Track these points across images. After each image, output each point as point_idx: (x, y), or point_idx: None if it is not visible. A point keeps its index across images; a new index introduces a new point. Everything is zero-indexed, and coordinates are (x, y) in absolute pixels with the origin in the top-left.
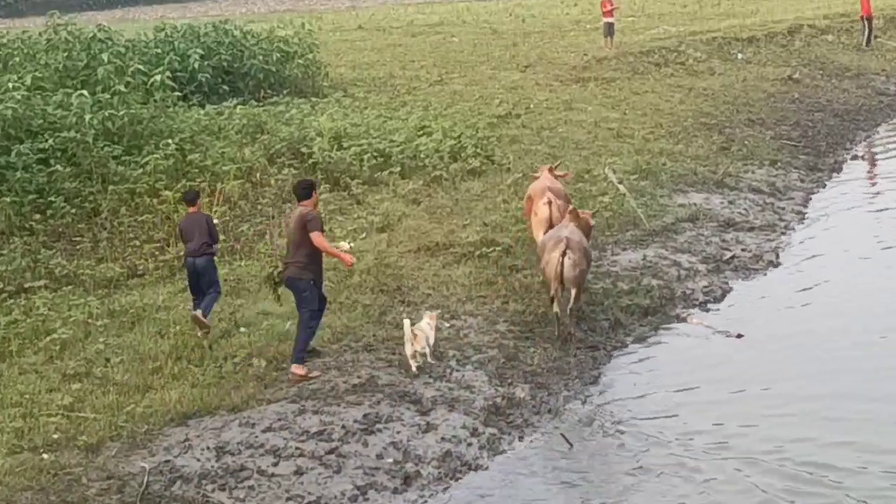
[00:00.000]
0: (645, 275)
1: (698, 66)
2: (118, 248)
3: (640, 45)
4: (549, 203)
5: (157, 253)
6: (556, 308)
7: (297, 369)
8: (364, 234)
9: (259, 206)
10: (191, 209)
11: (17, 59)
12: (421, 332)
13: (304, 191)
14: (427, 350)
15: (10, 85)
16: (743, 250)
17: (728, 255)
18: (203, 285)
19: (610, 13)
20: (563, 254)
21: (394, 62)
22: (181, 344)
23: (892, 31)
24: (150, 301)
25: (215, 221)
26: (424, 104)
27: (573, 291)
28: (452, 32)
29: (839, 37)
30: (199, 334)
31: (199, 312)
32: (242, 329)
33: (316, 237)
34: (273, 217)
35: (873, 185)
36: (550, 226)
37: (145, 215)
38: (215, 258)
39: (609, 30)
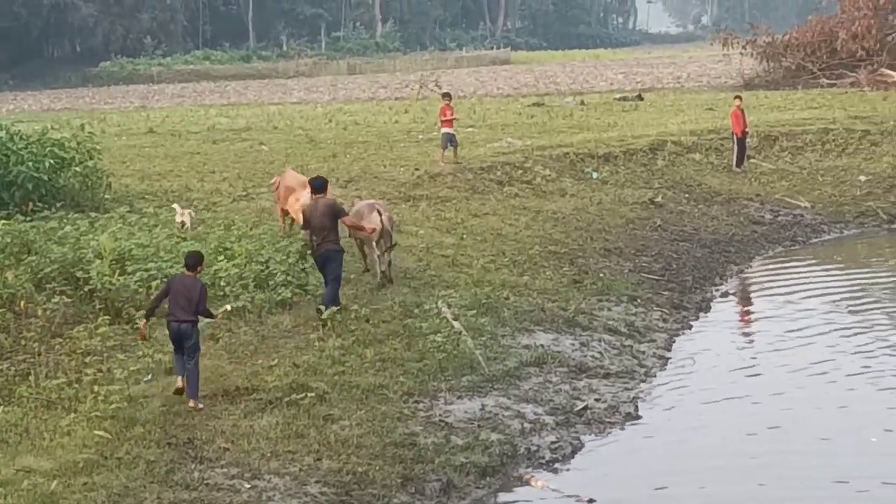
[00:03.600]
0: (483, 428)
1: (547, 185)
2: None
3: (481, 160)
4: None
5: None
6: (381, 266)
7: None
8: (150, 376)
9: (22, 342)
10: (187, 273)
11: None
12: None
13: (321, 184)
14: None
15: None
16: (597, 400)
17: (580, 405)
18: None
19: (450, 122)
20: (380, 213)
21: (190, 172)
22: None
23: (768, 150)
24: None
25: None
26: (226, 222)
27: (391, 243)
28: (261, 140)
29: (707, 156)
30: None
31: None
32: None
33: (347, 220)
34: (39, 354)
35: (746, 326)
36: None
37: None
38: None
39: (450, 141)
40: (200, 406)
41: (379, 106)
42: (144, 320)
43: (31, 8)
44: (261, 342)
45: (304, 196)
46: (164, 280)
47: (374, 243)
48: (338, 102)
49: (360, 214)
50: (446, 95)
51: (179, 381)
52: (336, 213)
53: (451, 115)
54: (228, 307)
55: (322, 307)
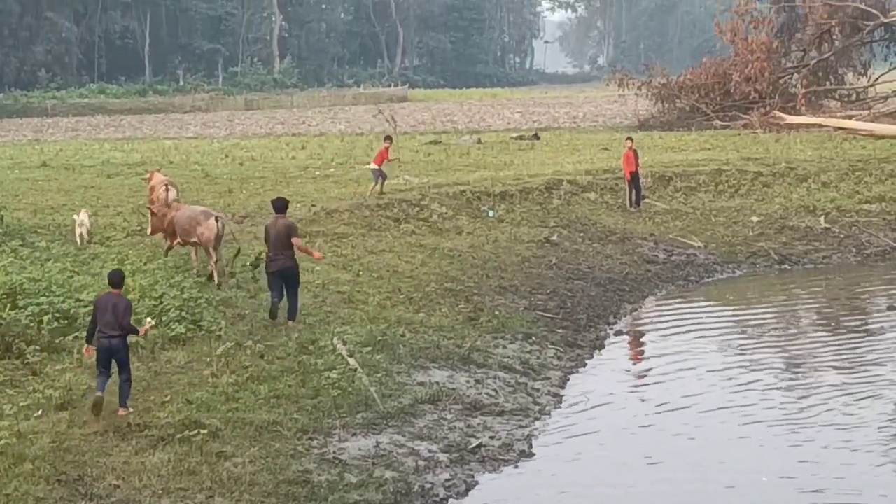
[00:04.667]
0: (378, 465)
1: (443, 223)
2: None
3: (378, 197)
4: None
5: None
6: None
7: None
8: (40, 412)
9: None
10: (112, 291)
11: None
12: None
13: (283, 204)
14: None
15: None
16: (491, 438)
17: (474, 443)
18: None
19: (382, 161)
20: (217, 219)
21: (84, 206)
22: None
23: (662, 191)
24: None
25: None
26: (120, 257)
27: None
28: None
29: (603, 195)
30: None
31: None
32: None
33: (296, 241)
34: None
35: (638, 364)
36: None
37: None
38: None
39: (380, 175)
40: (131, 410)
41: (276, 142)
42: (88, 345)
43: None
44: (153, 378)
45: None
46: (56, 315)
47: (211, 248)
48: (234, 138)
49: (197, 220)
50: (388, 138)
51: (97, 395)
52: (292, 232)
53: (387, 157)
54: (150, 321)
55: (291, 322)
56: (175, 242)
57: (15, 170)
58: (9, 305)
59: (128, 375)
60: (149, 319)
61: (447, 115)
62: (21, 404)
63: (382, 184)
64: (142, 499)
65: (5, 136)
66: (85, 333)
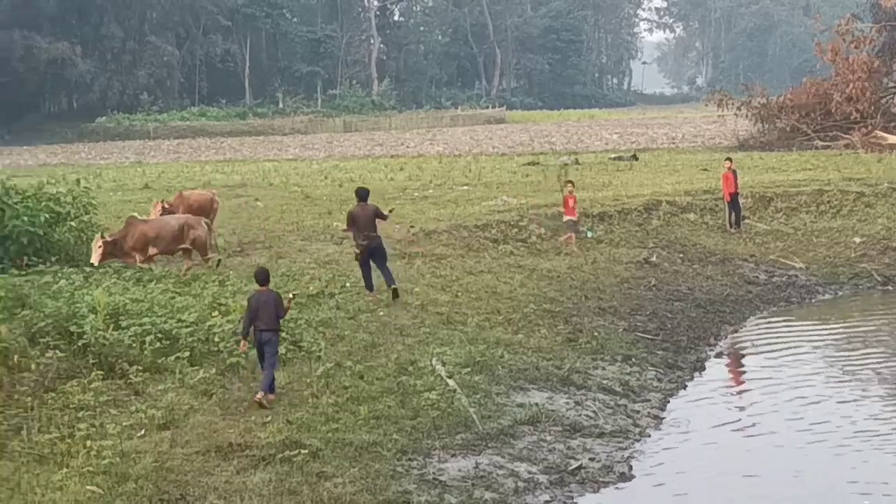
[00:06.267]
0: (477, 486)
1: (542, 244)
2: None
3: (476, 218)
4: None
5: None
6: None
7: None
8: (143, 432)
9: (15, 396)
10: (261, 288)
11: None
12: None
13: (366, 192)
14: None
15: None
16: (591, 459)
17: (574, 464)
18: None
19: (573, 210)
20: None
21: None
22: None
23: (763, 211)
24: None
25: None
26: (221, 278)
27: None
28: (256, 196)
29: (702, 216)
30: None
31: (259, 395)
32: None
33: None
34: (32, 409)
35: (739, 386)
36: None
37: None
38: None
39: (573, 225)
40: (271, 396)
41: (375, 163)
42: (244, 340)
43: (28, 63)
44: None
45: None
46: (158, 335)
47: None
48: (333, 159)
49: (190, 224)
50: (569, 183)
51: (259, 395)
52: (378, 214)
53: (574, 203)
54: (292, 295)
55: (395, 287)
56: (147, 257)
57: (118, 192)
58: (112, 326)
59: (273, 363)
60: (290, 295)
61: (545, 137)
62: (124, 424)
63: (575, 231)
64: None
65: (108, 159)
66: (188, 353)
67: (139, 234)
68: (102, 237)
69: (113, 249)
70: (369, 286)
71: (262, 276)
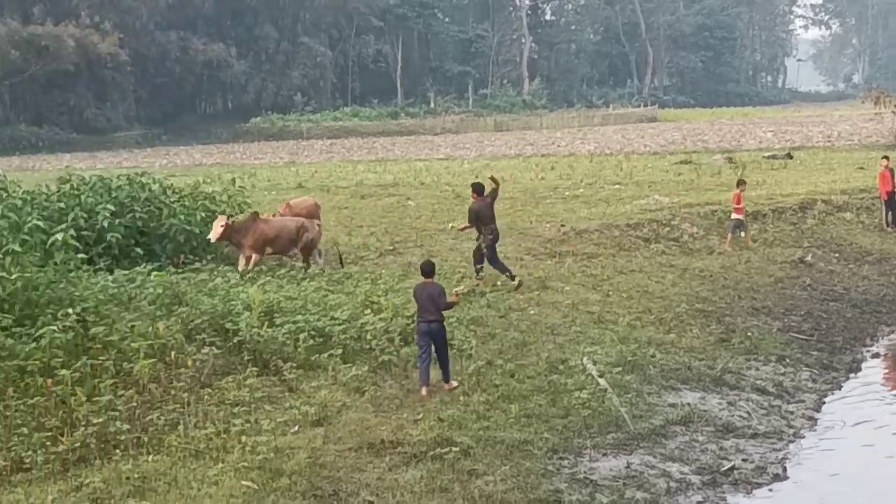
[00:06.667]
0: (629, 486)
1: (694, 243)
2: (1, 437)
3: (627, 217)
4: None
5: (47, 443)
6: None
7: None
8: (296, 428)
9: (172, 391)
10: (426, 280)
11: None
12: None
13: (481, 188)
14: None
15: None
16: (744, 460)
17: (726, 465)
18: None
19: (741, 209)
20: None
21: (338, 227)
22: None
23: None
24: (36, 501)
25: None
26: (373, 276)
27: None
28: (408, 195)
29: (858, 215)
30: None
31: (446, 386)
32: None
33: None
34: (189, 404)
35: None
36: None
37: (36, 398)
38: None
39: (739, 226)
40: (455, 384)
41: (525, 162)
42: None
43: (184, 65)
44: (406, 396)
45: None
46: (312, 333)
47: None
48: (484, 159)
49: (305, 227)
50: (741, 182)
51: (424, 391)
52: (493, 202)
53: (741, 203)
54: (461, 288)
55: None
56: (258, 257)
57: (272, 191)
58: (266, 323)
59: (446, 354)
60: (457, 290)
61: (697, 135)
62: (278, 420)
63: (746, 233)
64: None
65: (262, 159)
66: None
67: (259, 233)
68: (228, 218)
69: (231, 234)
70: (511, 274)
71: (428, 268)
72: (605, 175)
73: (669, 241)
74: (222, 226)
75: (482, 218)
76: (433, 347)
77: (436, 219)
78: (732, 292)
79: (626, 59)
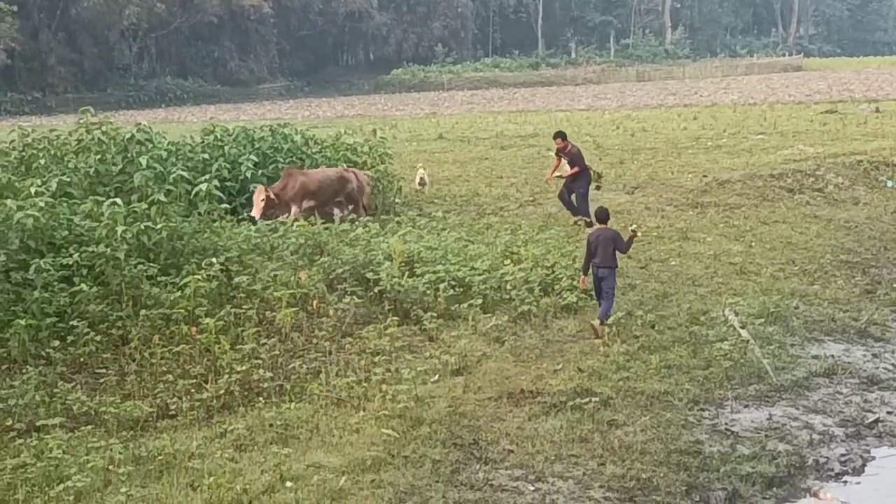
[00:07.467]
0: (770, 438)
1: (839, 193)
2: (148, 384)
3: (771, 167)
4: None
5: (192, 390)
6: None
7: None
8: (436, 377)
9: (314, 340)
10: (600, 226)
11: (43, 161)
12: None
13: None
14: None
15: (33, 190)
16: (889, 413)
17: (871, 418)
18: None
19: None
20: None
21: (478, 178)
22: (216, 498)
23: None
24: (181, 447)
25: None
26: (513, 227)
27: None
28: (548, 146)
29: None
30: (595, 340)
31: (596, 322)
32: (289, 484)
33: None
34: (330, 353)
35: None
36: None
37: (181, 346)
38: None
39: None
40: (607, 328)
41: (667, 113)
42: (584, 275)
43: (327, 17)
44: (546, 346)
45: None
46: (452, 283)
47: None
48: (625, 109)
49: (346, 178)
50: None
51: (596, 322)
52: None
53: None
54: (635, 227)
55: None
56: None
57: (413, 142)
58: (407, 273)
59: (612, 298)
60: (632, 228)
61: (843, 84)
62: (418, 369)
63: None
64: (534, 464)
65: (404, 110)
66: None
67: (299, 186)
68: (266, 190)
69: (273, 203)
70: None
71: (603, 215)
72: (749, 125)
73: (814, 192)
74: (262, 199)
75: (582, 162)
76: (603, 290)
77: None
78: (878, 243)
79: (770, 8)
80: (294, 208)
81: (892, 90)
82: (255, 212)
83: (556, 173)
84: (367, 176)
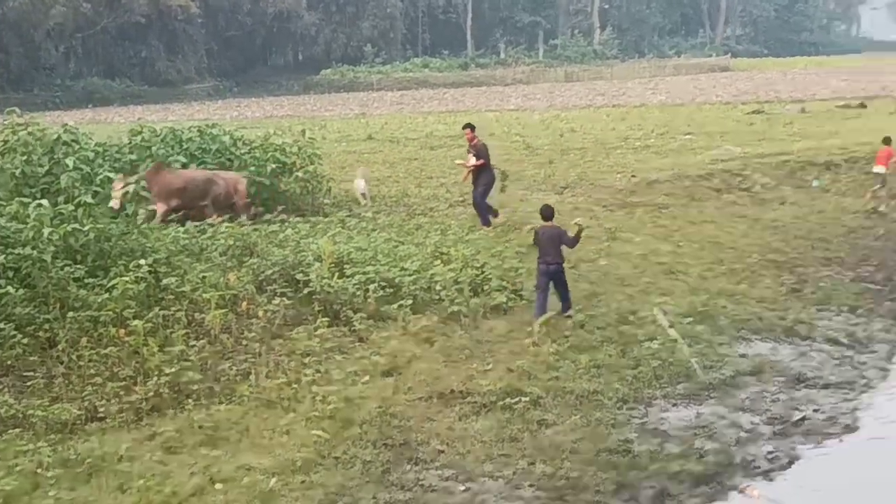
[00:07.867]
0: (699, 436)
1: (766, 193)
2: (76, 386)
3: (699, 168)
4: None
5: (121, 393)
6: None
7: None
8: (366, 378)
9: (244, 342)
10: (545, 224)
11: None
12: None
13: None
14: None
15: None
16: (815, 411)
17: (798, 416)
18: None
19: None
20: None
21: (408, 178)
22: (145, 501)
23: None
24: (110, 450)
25: None
26: (443, 227)
27: None
28: None
29: None
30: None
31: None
32: (219, 486)
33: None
34: (260, 354)
35: None
36: None
37: (109, 348)
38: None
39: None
40: (572, 314)
41: (596, 113)
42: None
43: (255, 17)
44: (476, 346)
45: None
46: (382, 283)
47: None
48: (555, 109)
49: (213, 181)
50: (888, 138)
51: (536, 325)
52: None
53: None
54: (579, 220)
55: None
56: (169, 209)
57: (342, 143)
58: (337, 274)
59: (566, 292)
60: (575, 221)
61: (770, 85)
62: (349, 370)
63: (883, 189)
64: (465, 464)
65: (333, 110)
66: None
67: (164, 183)
68: (125, 178)
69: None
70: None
71: (548, 212)
72: (676, 125)
73: (741, 192)
74: (121, 189)
75: (487, 155)
76: (552, 287)
77: (507, 170)
78: (805, 242)
79: (698, 9)
80: (161, 206)
81: (817, 91)
82: (115, 203)
83: (458, 161)
84: (247, 178)
